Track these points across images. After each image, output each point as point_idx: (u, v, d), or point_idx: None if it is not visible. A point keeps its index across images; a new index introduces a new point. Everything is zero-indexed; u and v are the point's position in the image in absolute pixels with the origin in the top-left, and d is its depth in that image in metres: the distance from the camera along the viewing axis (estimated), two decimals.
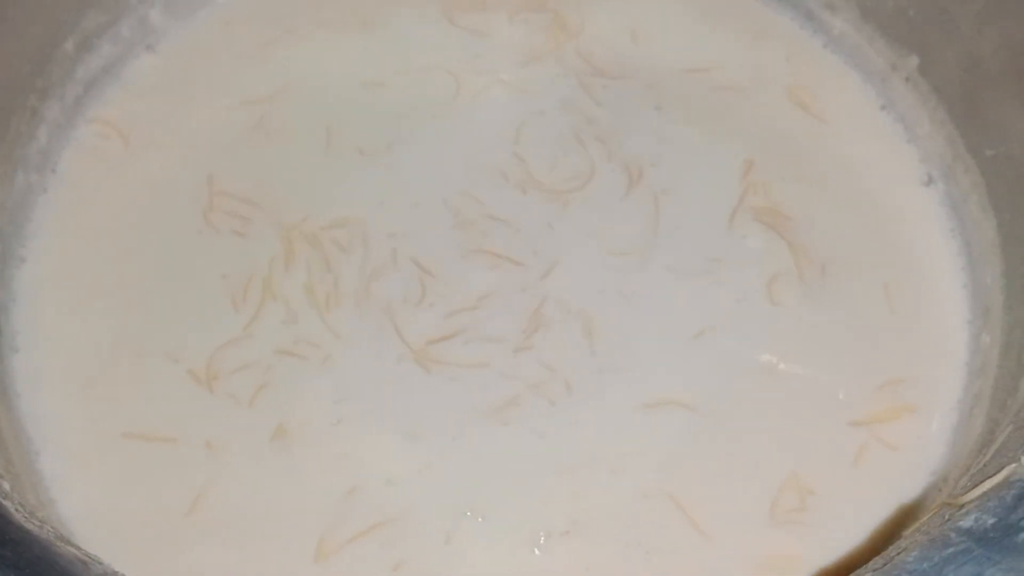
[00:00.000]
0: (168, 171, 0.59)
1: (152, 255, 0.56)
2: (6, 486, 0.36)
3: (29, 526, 0.32)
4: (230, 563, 0.49)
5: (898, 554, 0.33)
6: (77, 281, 0.56)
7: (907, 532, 0.37)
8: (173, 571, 0.48)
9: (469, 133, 0.62)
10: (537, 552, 0.49)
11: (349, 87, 0.63)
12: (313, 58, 0.64)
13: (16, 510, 0.33)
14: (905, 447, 0.52)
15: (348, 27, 0.65)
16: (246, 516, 0.50)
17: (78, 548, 0.33)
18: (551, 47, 0.65)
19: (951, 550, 0.33)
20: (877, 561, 0.34)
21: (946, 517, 0.35)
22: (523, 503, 0.50)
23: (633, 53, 0.65)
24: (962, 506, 0.35)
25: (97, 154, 0.61)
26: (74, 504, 0.50)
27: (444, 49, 0.65)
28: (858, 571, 0.34)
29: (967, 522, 0.34)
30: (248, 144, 0.60)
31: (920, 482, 0.50)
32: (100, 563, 0.32)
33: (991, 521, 0.33)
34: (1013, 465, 0.35)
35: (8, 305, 0.55)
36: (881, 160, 0.62)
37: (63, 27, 0.58)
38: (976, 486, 0.36)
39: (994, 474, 0.35)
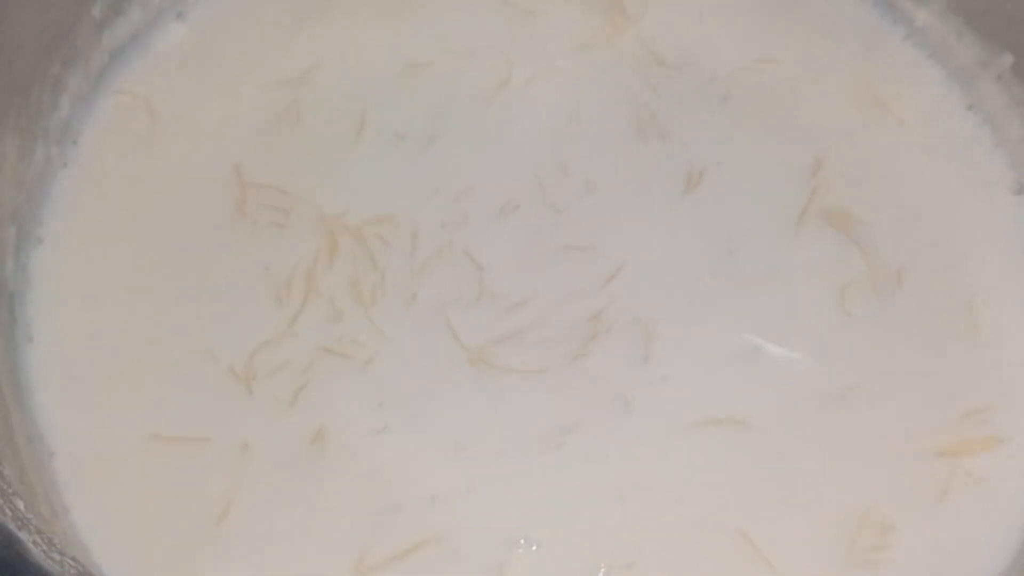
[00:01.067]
0: (197, 154, 0.55)
1: (183, 243, 0.52)
2: (20, 505, 0.31)
3: (48, 566, 0.28)
4: None
5: None
6: (99, 267, 0.52)
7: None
8: None
9: (519, 122, 0.58)
10: None
11: (389, 69, 0.59)
12: (351, 36, 0.59)
13: (34, 543, 0.28)
14: (996, 481, 0.48)
15: (389, 2, 0.60)
16: (280, 527, 0.47)
17: None
18: (609, 32, 0.61)
19: None
20: None
21: None
22: (581, 531, 0.46)
23: (697, 42, 0.61)
24: None
25: (121, 129, 0.57)
26: (90, 512, 0.46)
27: (492, 30, 0.60)
28: None
29: None
30: (281, 130, 0.56)
31: (1019, 522, 0.46)
32: None
33: None
34: None
35: (23, 290, 0.51)
36: (965, 164, 0.58)
37: None
38: None
39: None
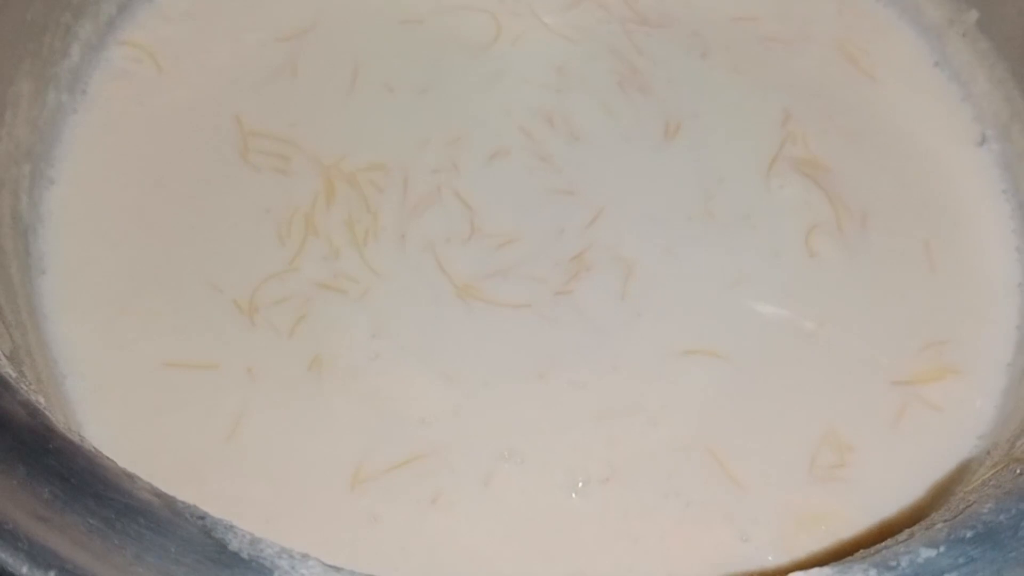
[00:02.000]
0: (201, 103, 0.58)
1: (189, 185, 0.55)
2: (42, 400, 0.34)
3: (73, 437, 0.31)
4: (268, 488, 0.48)
5: (968, 506, 0.32)
6: (108, 206, 0.55)
7: (969, 488, 0.36)
8: (210, 495, 0.46)
9: (508, 76, 0.61)
10: (575, 497, 0.48)
11: (386, 23, 0.61)
12: None
13: (58, 421, 0.31)
14: (949, 409, 0.51)
15: None
16: (284, 442, 0.50)
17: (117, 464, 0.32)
18: None
19: None
20: (944, 513, 0.33)
21: (1017, 471, 0.34)
22: (561, 449, 0.49)
23: (679, 1, 0.63)
24: None
25: (128, 77, 0.59)
26: (103, 428, 0.49)
27: None
28: (928, 519, 0.33)
29: None
30: (280, 81, 0.58)
31: (966, 444, 0.49)
32: (142, 480, 0.31)
33: None
34: None
35: (36, 226, 0.53)
36: (932, 117, 0.61)
37: None
38: None
39: None
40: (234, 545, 0.30)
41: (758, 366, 0.52)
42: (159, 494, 0.30)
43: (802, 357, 0.52)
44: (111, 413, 0.50)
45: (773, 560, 0.47)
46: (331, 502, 0.49)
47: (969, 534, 0.31)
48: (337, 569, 0.31)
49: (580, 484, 0.49)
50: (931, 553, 0.31)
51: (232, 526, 0.31)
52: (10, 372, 0.33)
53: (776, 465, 0.49)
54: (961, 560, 0.31)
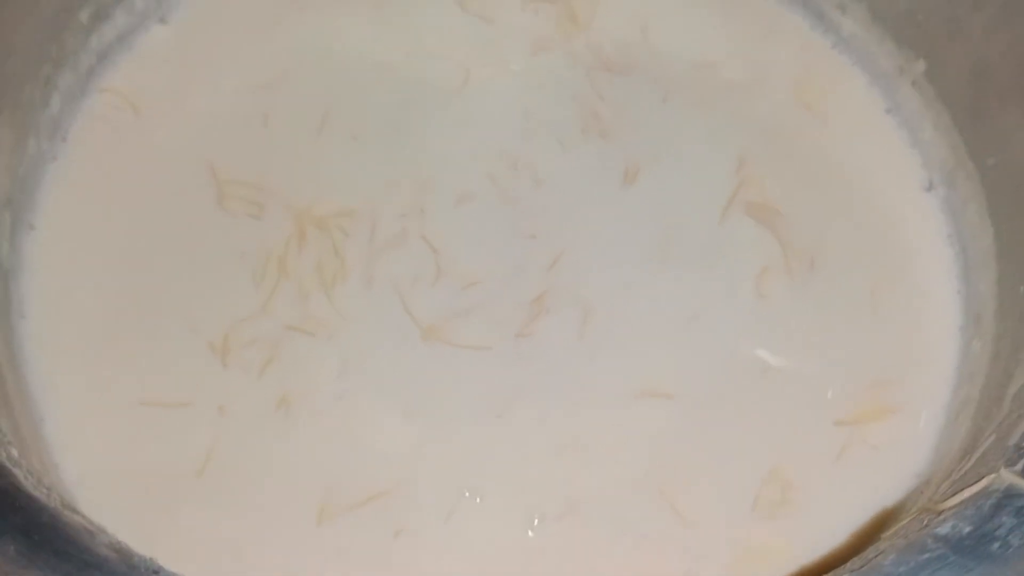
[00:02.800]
0: (178, 149, 0.60)
1: (166, 230, 0.57)
2: (14, 452, 0.37)
3: (37, 494, 0.33)
4: (238, 522, 0.51)
5: (876, 556, 0.34)
6: (87, 250, 0.57)
7: (887, 534, 0.38)
8: (181, 529, 0.50)
9: (476, 121, 0.63)
10: (531, 532, 0.51)
11: (358, 69, 0.63)
12: (323, 38, 0.64)
13: (25, 477, 0.34)
14: (889, 448, 0.53)
15: (359, 5, 0.65)
16: (253, 478, 0.52)
17: (84, 517, 0.34)
18: (560, 38, 0.66)
19: (927, 556, 0.34)
20: (855, 562, 0.35)
21: (924, 522, 0.36)
22: (519, 485, 0.52)
23: (642, 47, 0.66)
24: (941, 512, 0.36)
25: (107, 123, 0.61)
26: (78, 467, 0.51)
27: (455, 35, 0.65)
28: (836, 571, 0.35)
29: (944, 529, 0.35)
30: (254, 128, 0.60)
31: (904, 483, 0.52)
32: (105, 532, 0.33)
33: (967, 529, 0.34)
34: (993, 475, 0.36)
35: (16, 271, 0.56)
36: (883, 162, 0.63)
37: None
38: (956, 493, 0.37)
39: (974, 482, 0.36)
40: None
41: (709, 405, 0.54)
42: (118, 548, 0.32)
43: (751, 397, 0.54)
44: (87, 452, 0.52)
45: None
46: (299, 536, 0.51)
47: None
48: None
49: (536, 520, 0.51)
50: None
51: None
52: None
53: (723, 501, 0.52)
54: None
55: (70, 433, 0.52)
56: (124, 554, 0.31)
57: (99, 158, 0.60)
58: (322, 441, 0.53)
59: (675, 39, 0.66)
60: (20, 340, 0.54)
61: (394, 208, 0.59)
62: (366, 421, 0.53)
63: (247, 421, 0.53)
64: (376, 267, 0.57)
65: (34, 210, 0.58)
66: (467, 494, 0.52)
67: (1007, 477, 0.35)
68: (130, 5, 0.62)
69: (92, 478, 0.51)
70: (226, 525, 0.51)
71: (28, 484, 0.33)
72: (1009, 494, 0.35)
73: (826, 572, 0.37)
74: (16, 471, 0.34)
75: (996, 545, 0.34)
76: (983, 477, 0.36)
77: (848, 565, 0.35)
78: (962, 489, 0.37)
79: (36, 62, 0.57)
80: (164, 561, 0.34)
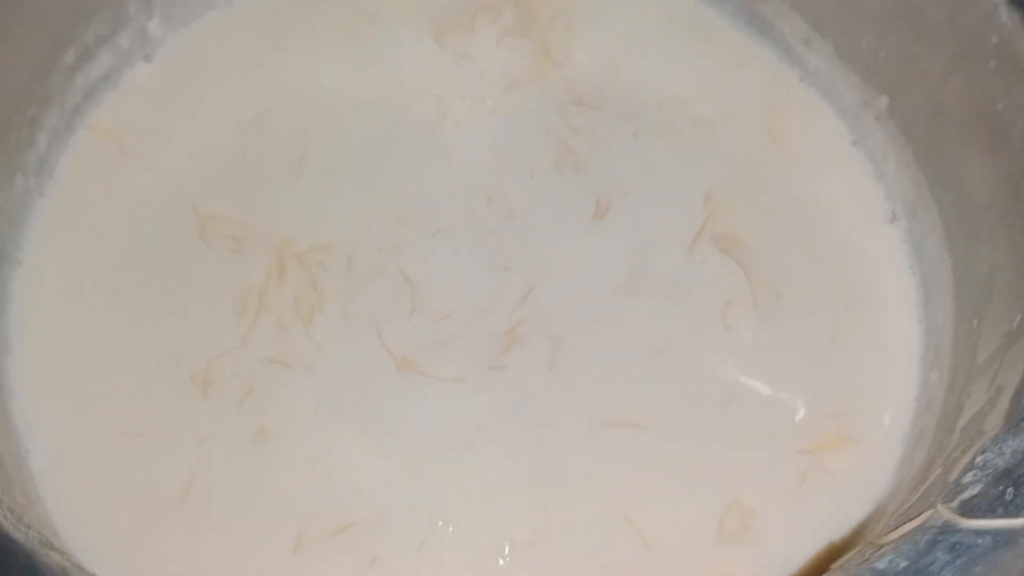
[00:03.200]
0: (162, 185, 0.61)
1: (150, 265, 0.59)
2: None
3: (15, 534, 0.35)
4: (217, 550, 0.52)
5: None
6: (72, 285, 0.58)
7: (834, 566, 0.40)
8: (162, 558, 0.51)
9: (452, 156, 0.64)
10: (502, 562, 0.52)
11: (336, 107, 0.65)
12: (301, 77, 0.66)
13: (4, 517, 0.35)
14: (849, 477, 0.54)
15: (338, 43, 0.67)
16: (232, 509, 0.53)
17: (62, 554, 0.36)
18: (535, 74, 0.67)
19: None
20: None
21: (865, 556, 0.38)
22: (489, 515, 0.53)
23: (614, 83, 0.67)
24: (881, 547, 0.37)
25: (93, 160, 0.63)
26: (62, 500, 0.53)
27: (432, 71, 0.67)
28: None
29: (882, 564, 0.36)
30: (234, 166, 0.62)
31: (863, 510, 0.53)
32: (82, 570, 0.35)
33: (903, 564, 0.36)
34: (931, 511, 0.37)
35: (3, 306, 0.57)
36: (848, 195, 0.65)
37: (64, 40, 0.60)
38: (899, 527, 0.38)
39: (915, 516, 0.38)
40: None
41: (675, 435, 0.56)
42: None
43: (716, 426, 0.56)
44: (71, 482, 0.53)
45: None
46: (276, 564, 0.53)
47: None
48: None
49: (507, 549, 0.53)
50: None
51: None
52: None
53: (686, 530, 0.53)
54: None
55: (54, 465, 0.54)
56: None
57: (85, 194, 0.62)
58: (299, 471, 0.54)
59: (646, 74, 0.68)
60: (5, 374, 0.55)
61: (371, 242, 0.61)
62: (341, 452, 0.55)
63: (226, 452, 0.55)
64: (353, 300, 0.59)
65: (20, 245, 0.59)
66: (440, 523, 0.53)
67: (944, 513, 0.36)
68: (115, 45, 0.64)
69: (76, 509, 0.52)
70: (206, 554, 0.53)
71: (7, 524, 0.35)
72: (945, 530, 0.36)
73: None
74: None
75: None
76: (923, 512, 0.38)
77: None
78: (904, 523, 0.38)
79: (22, 103, 0.59)
80: None
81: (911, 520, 0.38)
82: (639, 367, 0.58)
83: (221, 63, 0.66)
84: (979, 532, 0.35)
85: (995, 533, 0.35)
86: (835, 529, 0.52)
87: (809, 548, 0.52)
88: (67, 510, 0.52)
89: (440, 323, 0.59)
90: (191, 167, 0.63)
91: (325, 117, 0.65)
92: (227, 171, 0.63)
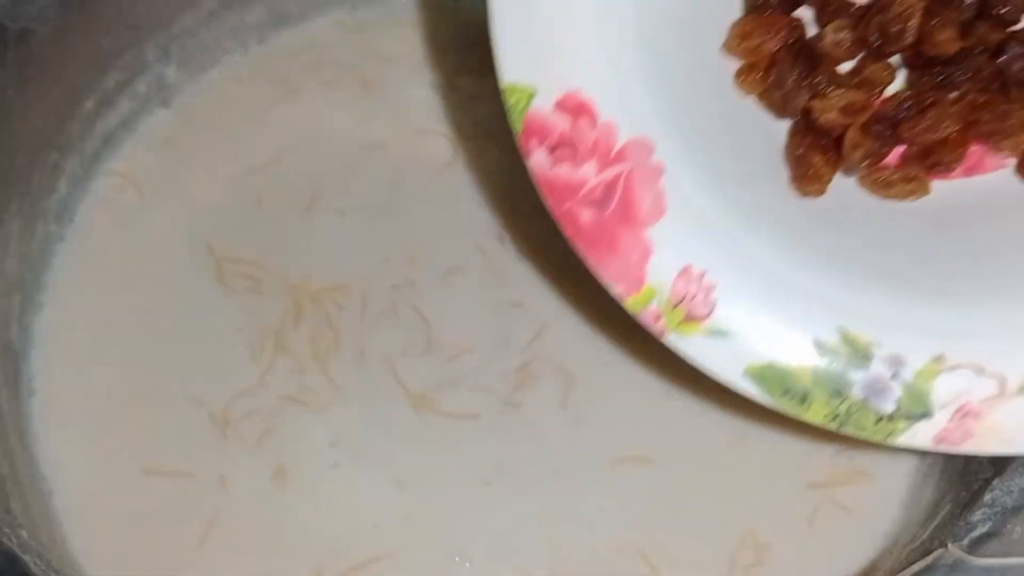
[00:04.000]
0: (179, 228, 0.63)
1: (168, 306, 0.60)
2: (24, 535, 0.39)
3: None
4: None
5: None
6: (94, 327, 0.60)
7: None
8: None
9: (463, 197, 0.65)
10: None
11: (347, 150, 0.66)
12: (314, 120, 0.67)
13: (34, 563, 0.36)
14: (858, 510, 0.55)
15: (349, 86, 0.69)
16: (252, 547, 0.54)
17: None
18: None
19: None
20: None
21: None
22: (506, 552, 0.54)
23: None
24: None
25: (112, 205, 0.64)
26: (86, 540, 0.54)
27: (442, 112, 0.68)
28: None
29: None
30: (248, 209, 0.64)
31: (874, 544, 0.54)
32: None
33: None
34: (941, 550, 0.38)
35: (27, 350, 0.58)
36: None
37: (85, 88, 0.62)
38: (909, 565, 0.39)
39: (927, 554, 0.39)
40: None
41: (686, 470, 0.57)
42: None
43: (726, 461, 0.57)
44: (95, 522, 0.54)
45: None
46: None
47: None
48: None
49: None
50: None
51: None
52: None
53: (700, 564, 0.54)
54: None
55: (78, 506, 0.55)
56: None
57: (105, 237, 0.63)
58: (317, 509, 0.55)
59: None
60: (29, 417, 0.57)
61: (385, 281, 0.62)
62: (358, 489, 0.56)
63: (246, 490, 0.56)
64: (368, 339, 0.60)
65: (42, 289, 0.61)
66: (456, 559, 0.54)
67: (954, 552, 0.37)
68: (133, 91, 0.65)
69: (100, 549, 0.53)
70: None
71: (37, 571, 0.36)
72: (955, 569, 0.37)
73: None
74: (26, 557, 0.36)
75: None
76: (934, 550, 0.38)
77: None
78: (915, 560, 0.39)
79: (44, 150, 0.60)
80: None
81: (922, 558, 0.39)
82: (648, 403, 0.59)
83: (236, 108, 0.68)
84: (989, 570, 0.36)
85: (1004, 570, 0.36)
86: (847, 562, 0.53)
87: None
88: (91, 549, 0.53)
89: (454, 360, 0.60)
90: (207, 210, 0.64)
91: (337, 159, 0.66)
92: (242, 213, 0.64)
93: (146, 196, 0.65)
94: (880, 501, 0.55)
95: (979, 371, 0.43)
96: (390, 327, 0.61)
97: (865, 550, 0.54)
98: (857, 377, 0.44)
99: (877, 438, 0.45)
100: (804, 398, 0.45)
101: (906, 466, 0.56)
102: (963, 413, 0.43)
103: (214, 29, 0.68)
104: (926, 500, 0.53)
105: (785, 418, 0.58)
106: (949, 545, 0.38)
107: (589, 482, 0.56)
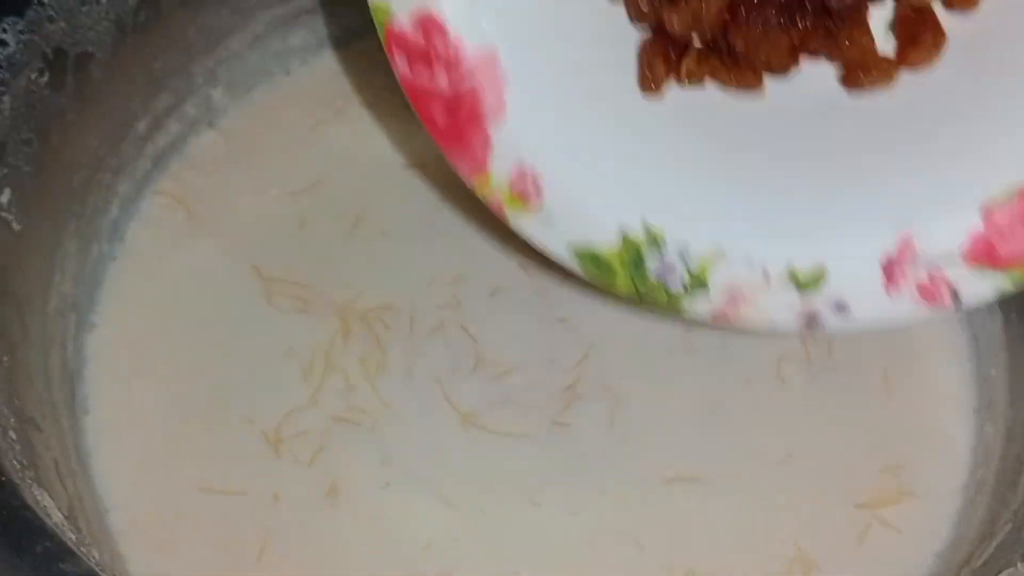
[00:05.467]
0: (227, 249, 0.64)
1: (219, 325, 0.61)
2: (96, 554, 0.40)
3: None
4: None
5: None
6: (146, 346, 0.61)
7: None
8: None
9: None
10: None
11: (392, 169, 0.67)
12: (358, 140, 0.68)
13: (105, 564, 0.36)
14: (908, 530, 0.55)
15: (391, 108, 0.69)
16: (305, 565, 0.55)
17: None
18: None
19: None
20: None
21: None
22: (556, 572, 0.54)
23: None
24: None
25: (162, 224, 0.65)
26: (143, 558, 0.54)
27: None
28: None
29: None
30: (296, 228, 0.65)
31: (926, 564, 0.54)
32: None
33: None
34: (1011, 569, 0.38)
35: (80, 369, 0.59)
36: None
37: (138, 110, 0.63)
38: None
39: (997, 574, 0.39)
40: None
41: (734, 490, 0.57)
42: None
43: (774, 480, 0.57)
44: (152, 539, 0.55)
45: None
46: None
47: None
48: None
49: None
50: None
51: None
52: (71, 536, 0.39)
53: None
54: None
55: (134, 523, 0.55)
56: None
57: (155, 257, 0.64)
58: (369, 528, 0.56)
59: None
60: (84, 434, 0.57)
61: (431, 300, 0.63)
62: (409, 508, 0.56)
63: (299, 509, 0.56)
64: (417, 358, 0.61)
65: (95, 309, 0.61)
66: None
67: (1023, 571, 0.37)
68: (182, 113, 0.67)
69: (157, 568, 0.54)
70: None
71: None
72: None
73: None
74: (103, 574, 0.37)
75: None
76: (1001, 570, 0.39)
77: None
78: None
79: (99, 173, 0.61)
80: None
81: None
82: (696, 423, 0.59)
83: (280, 129, 0.69)
84: None
85: None
86: None
87: None
88: (148, 569, 0.54)
89: (502, 379, 0.61)
90: (253, 230, 0.65)
91: (381, 179, 0.67)
92: (287, 234, 0.65)
93: (196, 216, 0.66)
94: (929, 520, 0.56)
95: (749, 263, 0.50)
96: (438, 346, 0.62)
97: (917, 569, 0.54)
98: (652, 262, 0.51)
99: (670, 310, 0.53)
100: (613, 275, 0.52)
101: (954, 485, 0.57)
102: (734, 297, 0.51)
103: (259, 52, 0.69)
104: (978, 519, 0.53)
105: (830, 437, 0.58)
106: (1018, 564, 0.38)
107: (638, 501, 0.57)
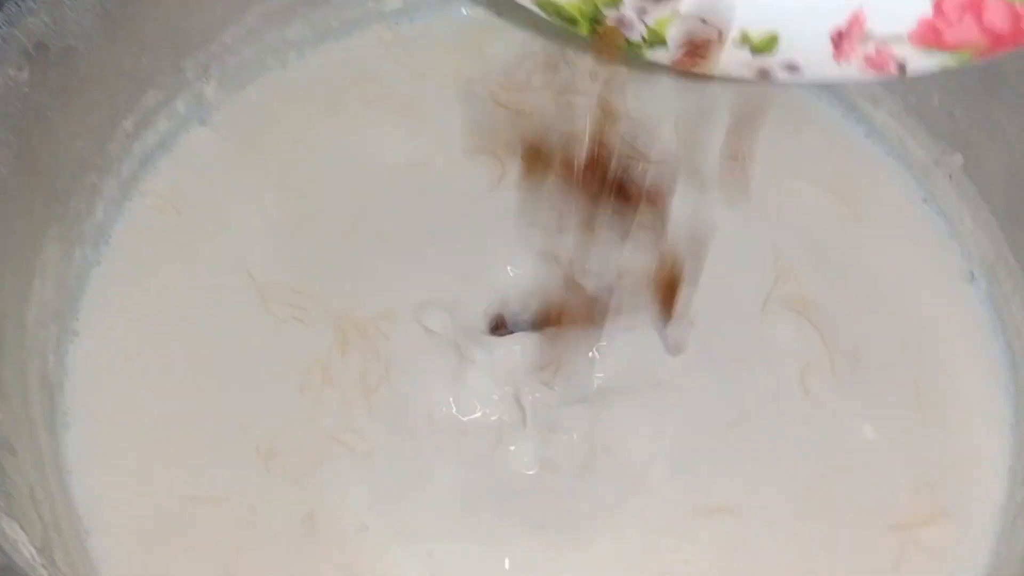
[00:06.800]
0: (219, 252, 0.60)
1: (209, 332, 0.57)
2: None
3: None
4: None
5: None
6: (132, 356, 0.57)
7: None
8: None
9: (511, 217, 0.63)
10: None
11: (392, 168, 0.64)
12: (357, 138, 0.65)
13: None
14: (945, 552, 0.52)
15: (392, 105, 0.66)
16: None
17: None
18: (595, 131, 0.66)
19: None
20: None
21: None
22: None
23: (673, 140, 0.66)
24: None
25: (150, 227, 0.62)
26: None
27: (489, 130, 0.66)
28: None
29: None
30: (291, 230, 0.61)
31: None
32: None
33: None
34: None
35: (61, 381, 0.56)
36: (920, 253, 0.63)
37: (124, 108, 0.60)
38: None
39: None
40: None
41: (766, 519, 0.53)
42: None
43: (805, 507, 0.54)
44: (135, 566, 0.51)
45: None
46: None
47: None
48: None
49: None
50: None
51: None
52: (44, 574, 0.35)
53: None
54: None
55: (116, 548, 0.52)
56: None
57: (142, 261, 0.60)
58: (337, 569, 0.52)
59: (706, 131, 0.67)
60: (64, 453, 0.54)
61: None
62: (381, 558, 0.52)
63: (272, 528, 0.53)
64: (416, 375, 0.57)
65: (78, 318, 0.58)
66: None
67: None
68: (172, 110, 0.63)
69: None
70: None
71: None
72: None
73: None
74: None
75: None
76: None
77: None
78: None
79: (82, 173, 0.58)
80: None
81: None
82: (726, 453, 0.55)
83: (276, 126, 0.65)
84: None
85: None
86: None
87: None
88: None
89: None
90: (247, 232, 0.61)
91: (381, 178, 0.64)
92: (282, 237, 0.61)
93: (184, 218, 0.62)
94: (967, 542, 0.52)
95: (704, 22, 0.52)
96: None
97: None
98: (611, 14, 0.53)
99: (630, 55, 0.54)
100: (574, 23, 0.54)
101: (992, 505, 0.54)
102: (691, 50, 0.53)
103: (254, 46, 0.65)
104: (1021, 541, 0.50)
105: (861, 459, 0.55)
106: None
107: (670, 533, 0.53)
